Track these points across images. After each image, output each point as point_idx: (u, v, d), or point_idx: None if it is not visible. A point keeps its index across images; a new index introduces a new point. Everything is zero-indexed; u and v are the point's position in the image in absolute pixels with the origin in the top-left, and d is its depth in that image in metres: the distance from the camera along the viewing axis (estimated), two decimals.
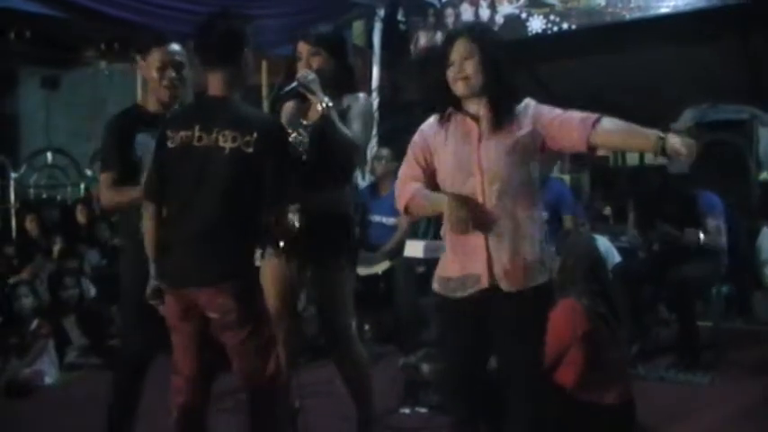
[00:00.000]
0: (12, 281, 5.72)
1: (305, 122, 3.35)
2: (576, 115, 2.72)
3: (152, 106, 3.54)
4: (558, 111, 2.78)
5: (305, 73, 3.24)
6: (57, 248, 6.86)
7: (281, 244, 3.10)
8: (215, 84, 2.92)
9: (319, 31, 3.44)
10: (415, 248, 5.00)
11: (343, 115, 3.34)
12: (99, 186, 3.58)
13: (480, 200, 2.74)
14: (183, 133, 2.89)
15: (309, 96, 3.22)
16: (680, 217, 5.29)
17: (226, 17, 2.99)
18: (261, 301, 2.98)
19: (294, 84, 3.23)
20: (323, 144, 3.27)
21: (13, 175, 8.60)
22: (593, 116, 2.67)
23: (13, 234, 7.92)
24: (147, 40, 3.56)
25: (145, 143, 3.39)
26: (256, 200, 2.85)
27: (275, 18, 7.14)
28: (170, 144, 2.92)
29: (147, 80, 3.55)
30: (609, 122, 2.70)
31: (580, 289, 3.56)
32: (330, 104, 3.20)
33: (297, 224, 3.14)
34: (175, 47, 3.51)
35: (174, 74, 3.48)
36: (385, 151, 6.02)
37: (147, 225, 3.03)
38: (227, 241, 2.85)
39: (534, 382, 2.84)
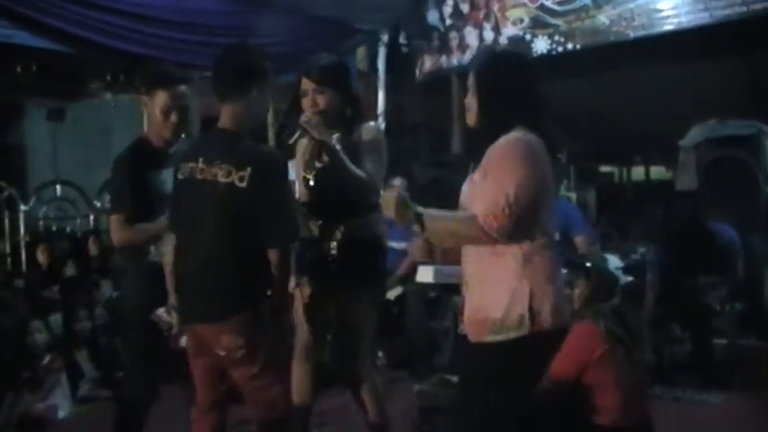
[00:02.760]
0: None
1: (318, 164, 3.35)
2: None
3: (156, 141, 3.51)
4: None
5: (307, 117, 3.22)
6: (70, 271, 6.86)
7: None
8: (225, 116, 2.92)
9: (321, 65, 3.40)
10: (425, 274, 4.97)
11: (356, 147, 3.34)
12: (111, 227, 3.50)
13: None
14: (190, 164, 2.89)
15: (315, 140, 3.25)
16: (700, 258, 5.31)
17: (241, 50, 2.98)
18: (271, 336, 2.91)
19: (298, 132, 3.23)
20: (337, 181, 3.28)
21: (23, 207, 8.61)
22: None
23: (24, 267, 7.92)
24: (152, 79, 3.52)
25: (160, 181, 3.41)
26: (256, 236, 2.79)
27: (278, 45, 7.17)
28: (180, 176, 2.93)
29: (152, 118, 3.51)
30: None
31: (596, 311, 3.53)
32: (336, 147, 3.21)
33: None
34: (181, 88, 3.46)
35: (176, 118, 3.44)
36: (397, 181, 6.00)
37: (169, 255, 3.04)
38: (228, 277, 2.81)
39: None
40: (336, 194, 3.33)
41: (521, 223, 2.38)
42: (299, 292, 3.45)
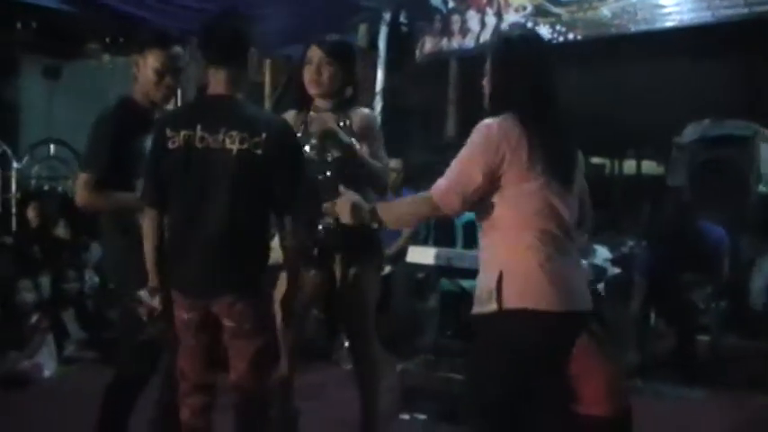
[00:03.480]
0: None
1: (329, 158, 3.35)
2: None
3: (143, 103, 3.33)
4: None
5: (322, 125, 3.28)
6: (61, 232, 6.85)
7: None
8: (219, 82, 2.84)
9: (334, 39, 3.44)
10: (423, 255, 4.98)
11: (350, 130, 3.36)
12: (77, 185, 3.29)
13: None
14: (184, 132, 2.76)
15: (335, 146, 3.26)
16: (687, 255, 5.36)
17: (232, 16, 2.94)
18: (271, 309, 2.95)
19: (314, 141, 3.30)
20: (350, 172, 3.31)
21: (15, 165, 8.59)
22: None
23: (13, 224, 7.92)
24: (149, 38, 3.39)
25: (144, 147, 3.17)
26: (268, 205, 2.80)
27: (280, 19, 7.15)
28: (170, 145, 2.78)
29: (143, 78, 3.32)
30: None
31: None
32: (358, 146, 3.27)
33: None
34: (177, 50, 3.35)
35: (171, 80, 3.32)
36: (393, 162, 6.00)
37: (148, 231, 2.90)
38: (241, 249, 2.77)
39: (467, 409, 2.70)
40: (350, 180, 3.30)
41: (467, 202, 2.53)
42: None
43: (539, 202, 2.51)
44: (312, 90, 3.42)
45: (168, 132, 2.79)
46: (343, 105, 3.44)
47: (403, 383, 4.42)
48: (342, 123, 3.38)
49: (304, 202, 2.89)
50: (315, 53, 3.38)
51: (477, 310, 2.58)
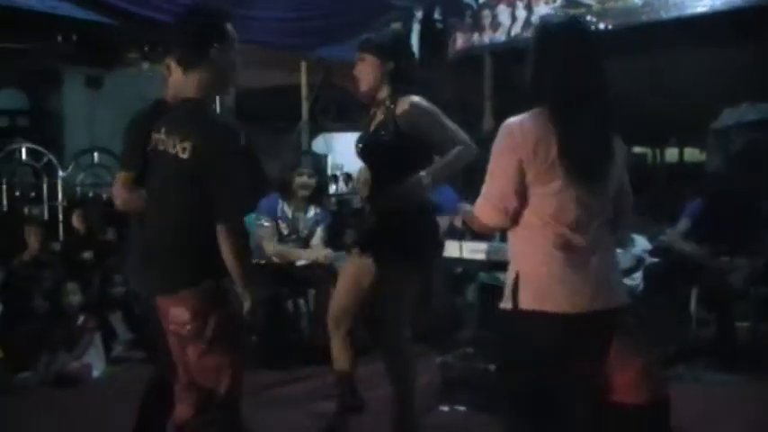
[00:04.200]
0: None
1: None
2: None
3: (174, 102, 3.26)
4: None
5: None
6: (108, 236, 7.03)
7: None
8: (188, 84, 2.78)
9: (369, 36, 3.65)
10: (461, 249, 5.03)
11: (400, 121, 3.45)
12: (114, 186, 3.43)
13: None
14: (155, 135, 2.81)
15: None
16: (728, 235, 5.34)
17: (197, 13, 2.85)
18: (228, 315, 2.73)
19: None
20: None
21: (61, 173, 8.80)
22: None
23: (60, 232, 8.12)
24: None
25: None
26: (208, 210, 2.66)
27: (313, 20, 7.23)
28: (148, 147, 2.87)
29: (174, 80, 3.25)
30: None
31: None
32: (428, 181, 3.38)
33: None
34: None
35: None
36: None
37: None
38: (178, 250, 2.72)
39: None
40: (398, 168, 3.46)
41: (510, 211, 2.51)
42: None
43: (559, 203, 2.47)
44: (360, 88, 3.59)
45: (152, 135, 2.85)
46: (394, 96, 3.53)
47: (443, 376, 4.48)
48: (385, 117, 3.51)
49: (237, 210, 2.71)
50: (357, 54, 3.57)
51: (501, 304, 2.61)
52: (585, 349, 2.58)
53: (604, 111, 2.51)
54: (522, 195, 2.48)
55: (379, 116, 3.56)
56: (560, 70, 2.48)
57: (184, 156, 2.65)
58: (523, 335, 2.54)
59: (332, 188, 11.72)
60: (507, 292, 2.55)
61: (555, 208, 2.47)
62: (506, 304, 2.55)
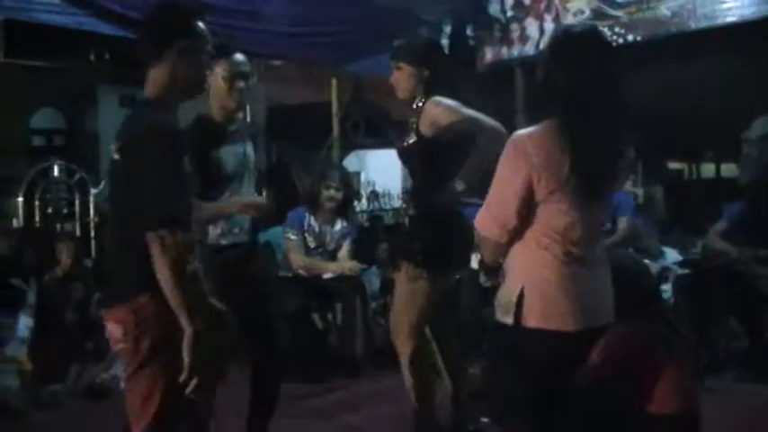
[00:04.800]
0: None
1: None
2: None
3: (218, 116, 3.57)
4: None
5: None
6: None
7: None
8: (148, 83, 2.56)
9: (400, 43, 3.70)
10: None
11: (424, 124, 3.50)
12: None
13: None
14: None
15: None
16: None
17: (163, 7, 2.67)
18: (167, 336, 2.39)
19: None
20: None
21: (93, 190, 8.91)
22: None
23: (92, 248, 8.22)
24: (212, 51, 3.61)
25: (221, 157, 3.48)
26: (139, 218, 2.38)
27: (341, 35, 7.29)
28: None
29: (214, 91, 3.53)
30: None
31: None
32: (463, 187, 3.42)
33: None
34: (240, 56, 3.57)
35: (242, 83, 3.53)
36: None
37: None
38: (116, 261, 2.53)
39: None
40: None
41: (510, 227, 2.43)
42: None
43: (566, 218, 2.41)
44: (398, 96, 3.66)
45: None
46: (428, 99, 3.57)
47: (468, 387, 4.45)
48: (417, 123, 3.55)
49: (160, 216, 2.35)
50: (391, 62, 3.62)
51: (498, 316, 2.53)
52: (579, 363, 2.48)
53: (618, 126, 2.42)
54: (526, 213, 2.41)
55: (414, 123, 3.58)
56: (575, 80, 2.38)
57: (116, 157, 2.48)
58: (523, 352, 2.46)
59: (363, 204, 11.73)
60: (506, 304, 2.47)
61: (564, 225, 2.41)
62: (506, 318, 2.47)
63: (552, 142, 2.35)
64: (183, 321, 2.35)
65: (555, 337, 2.41)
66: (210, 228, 3.52)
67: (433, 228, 3.52)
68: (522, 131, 2.43)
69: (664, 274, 5.70)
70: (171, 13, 2.60)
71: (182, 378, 2.35)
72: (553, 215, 2.40)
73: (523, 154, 2.37)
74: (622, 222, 5.48)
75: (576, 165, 2.33)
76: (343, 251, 5.95)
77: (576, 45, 2.46)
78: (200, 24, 2.60)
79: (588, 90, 2.37)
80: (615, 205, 5.19)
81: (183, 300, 2.34)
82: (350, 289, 5.77)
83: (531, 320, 2.43)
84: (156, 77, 2.52)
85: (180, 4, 2.67)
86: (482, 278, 2.80)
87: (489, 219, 2.47)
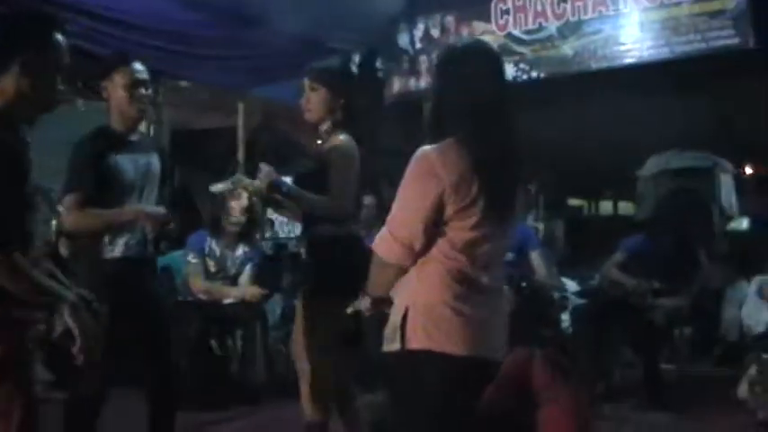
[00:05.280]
0: None
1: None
2: None
3: (119, 126, 3.49)
4: None
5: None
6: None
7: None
8: None
9: (317, 66, 3.65)
10: None
11: (325, 160, 3.44)
12: (64, 209, 3.40)
13: None
14: None
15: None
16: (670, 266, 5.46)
17: (18, 16, 2.55)
18: (12, 351, 2.32)
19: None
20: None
21: None
22: None
23: None
24: (110, 61, 3.55)
25: (121, 167, 3.40)
26: None
27: (250, 60, 7.24)
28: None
29: (114, 101, 3.46)
30: None
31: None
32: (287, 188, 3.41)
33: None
34: (139, 65, 3.50)
35: (142, 90, 3.47)
36: (367, 199, 6.01)
37: None
38: None
39: None
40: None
41: (413, 249, 2.25)
42: None
43: (471, 239, 2.26)
44: (306, 117, 3.58)
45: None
46: (335, 128, 3.52)
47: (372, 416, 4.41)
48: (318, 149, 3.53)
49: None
50: (304, 83, 3.56)
51: (384, 346, 2.33)
52: (475, 396, 2.29)
53: (515, 141, 2.35)
54: (434, 230, 2.25)
55: (314, 148, 3.57)
56: (463, 90, 2.33)
57: None
58: (412, 380, 2.27)
59: (267, 232, 11.60)
60: (391, 331, 2.30)
61: (464, 243, 2.26)
62: (390, 345, 2.29)
63: (462, 160, 2.23)
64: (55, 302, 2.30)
65: (443, 359, 2.22)
66: (106, 238, 3.40)
67: (328, 254, 3.48)
68: (428, 148, 2.25)
69: (562, 304, 5.81)
70: (16, 23, 2.44)
71: (74, 348, 2.29)
72: (456, 233, 2.25)
73: (434, 172, 2.22)
74: (536, 258, 5.45)
75: (486, 183, 2.22)
76: (245, 276, 5.85)
77: (461, 58, 2.42)
78: (56, 36, 2.43)
79: (481, 99, 2.31)
80: (521, 238, 5.26)
81: (39, 291, 2.30)
82: (251, 315, 5.67)
83: (414, 341, 2.24)
84: (1, 89, 2.35)
85: (30, 14, 2.57)
86: (365, 304, 2.46)
87: (391, 241, 2.26)
